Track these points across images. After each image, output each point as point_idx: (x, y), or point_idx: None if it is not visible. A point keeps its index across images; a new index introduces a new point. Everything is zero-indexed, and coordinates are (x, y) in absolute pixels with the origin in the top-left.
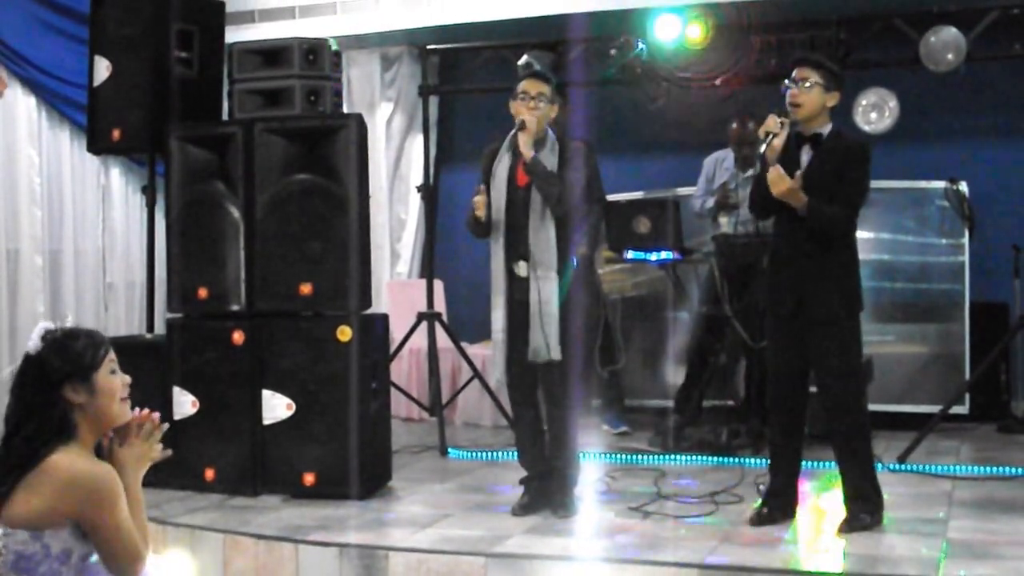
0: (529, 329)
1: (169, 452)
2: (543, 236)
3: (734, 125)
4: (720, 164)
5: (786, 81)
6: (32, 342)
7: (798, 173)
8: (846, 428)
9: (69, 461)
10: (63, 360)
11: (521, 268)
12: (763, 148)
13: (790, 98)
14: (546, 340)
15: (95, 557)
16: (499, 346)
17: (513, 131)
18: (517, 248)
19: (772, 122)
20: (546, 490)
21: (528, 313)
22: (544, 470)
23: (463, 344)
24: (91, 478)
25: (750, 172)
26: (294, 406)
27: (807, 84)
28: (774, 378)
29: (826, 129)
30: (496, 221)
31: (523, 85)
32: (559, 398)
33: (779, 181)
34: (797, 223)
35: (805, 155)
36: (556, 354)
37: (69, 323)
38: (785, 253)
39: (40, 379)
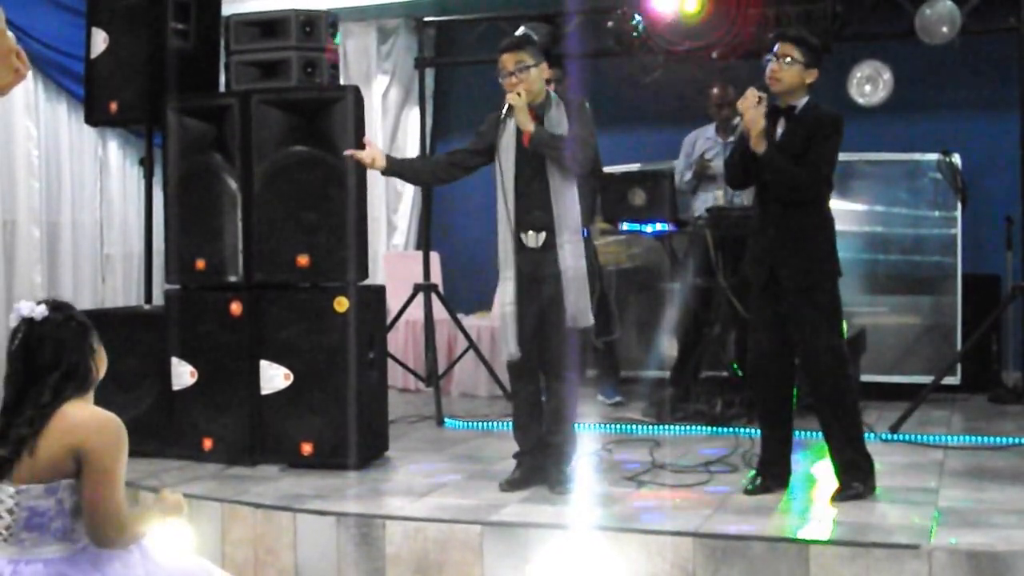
0: (563, 297)
1: None
2: (565, 200)
3: (714, 90)
4: (701, 135)
5: (767, 56)
6: (39, 310)
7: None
8: (827, 397)
9: (84, 405)
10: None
11: (530, 238)
12: (741, 120)
13: (769, 72)
14: (582, 304)
15: None
16: (509, 319)
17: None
18: (527, 217)
19: (752, 96)
20: (540, 466)
21: (535, 285)
22: (538, 445)
23: (459, 315)
24: (103, 417)
25: (732, 139)
26: (292, 376)
27: (787, 60)
28: (756, 350)
29: (801, 102)
30: (504, 191)
31: (499, 63)
32: (563, 371)
33: (757, 120)
34: (771, 193)
35: (780, 128)
36: (590, 319)
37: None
38: (758, 223)
39: (78, 334)
